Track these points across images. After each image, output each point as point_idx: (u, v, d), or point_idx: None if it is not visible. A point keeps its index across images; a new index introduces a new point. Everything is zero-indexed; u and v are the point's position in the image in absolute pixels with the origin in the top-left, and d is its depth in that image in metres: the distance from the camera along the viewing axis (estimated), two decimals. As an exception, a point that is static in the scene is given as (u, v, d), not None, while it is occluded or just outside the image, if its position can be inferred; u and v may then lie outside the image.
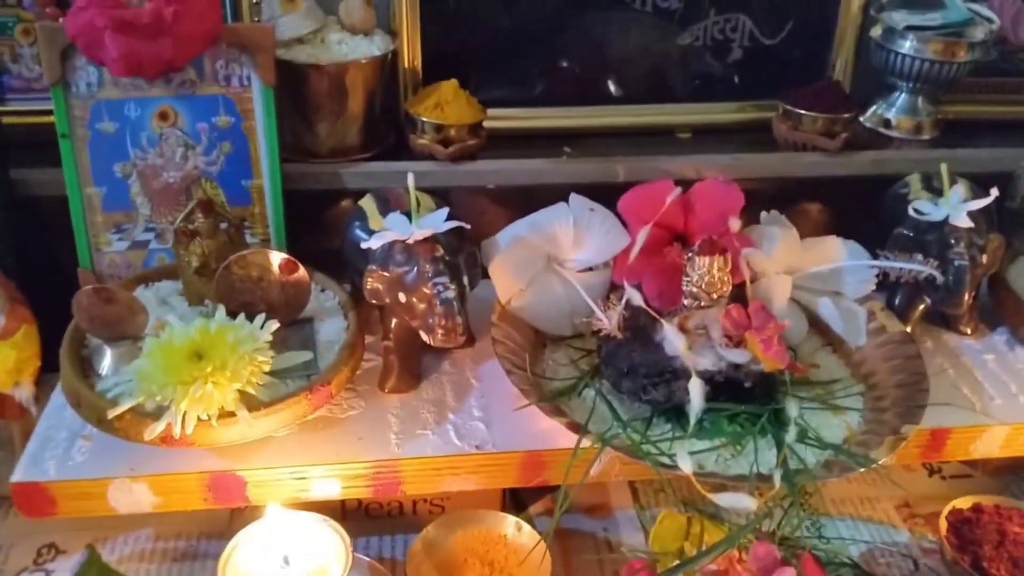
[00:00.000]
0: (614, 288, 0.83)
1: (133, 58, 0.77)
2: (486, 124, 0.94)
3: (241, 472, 0.69)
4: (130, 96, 0.82)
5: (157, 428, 0.64)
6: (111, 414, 0.65)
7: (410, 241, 0.71)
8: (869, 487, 0.98)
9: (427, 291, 0.70)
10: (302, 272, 0.74)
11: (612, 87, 1.03)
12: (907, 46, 0.96)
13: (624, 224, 0.83)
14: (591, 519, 0.94)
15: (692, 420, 0.69)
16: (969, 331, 0.88)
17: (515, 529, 0.86)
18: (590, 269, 0.83)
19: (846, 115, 0.95)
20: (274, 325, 0.69)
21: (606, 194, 0.84)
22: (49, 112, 0.82)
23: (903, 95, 1.02)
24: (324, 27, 0.89)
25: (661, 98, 1.03)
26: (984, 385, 0.82)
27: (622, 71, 1.02)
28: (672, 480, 0.97)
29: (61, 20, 0.79)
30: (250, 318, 0.70)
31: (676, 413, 0.73)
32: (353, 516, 0.93)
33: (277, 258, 0.73)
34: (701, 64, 1.02)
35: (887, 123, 1.02)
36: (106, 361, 0.71)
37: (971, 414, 0.78)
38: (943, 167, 0.82)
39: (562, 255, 0.83)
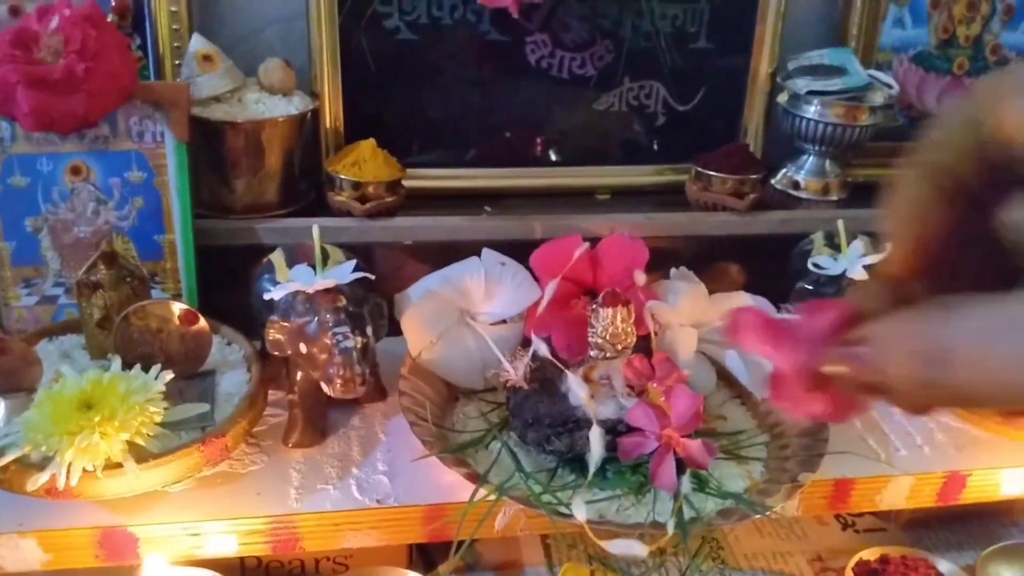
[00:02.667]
0: (526, 342, 0.84)
1: (45, 114, 0.78)
2: (407, 183, 0.96)
3: (132, 528, 0.67)
4: (43, 151, 0.83)
5: (41, 478, 0.62)
6: (-5, 466, 0.63)
7: (312, 291, 0.71)
8: (782, 541, 0.98)
9: (327, 341, 0.70)
10: (203, 323, 0.74)
11: (533, 149, 1.05)
12: (811, 111, 1.00)
13: (536, 279, 0.84)
14: (502, 576, 0.92)
15: (592, 468, 0.69)
16: (877, 384, 0.90)
17: (422, 587, 0.84)
18: (503, 322, 0.84)
19: (754, 176, 0.98)
20: (168, 376, 0.68)
21: (524, 251, 0.85)
22: (-39, 167, 0.83)
23: (811, 158, 1.05)
24: (243, 87, 0.91)
25: (580, 160, 1.06)
26: (890, 436, 0.83)
27: (542, 134, 1.05)
28: (583, 535, 0.95)
29: (-25, 76, 0.80)
30: (147, 369, 0.69)
31: (581, 464, 0.72)
32: (253, 574, 0.90)
33: (177, 309, 0.73)
34: (618, 128, 1.06)
35: (796, 184, 1.06)
36: (-2, 414, 0.70)
37: (876, 464, 0.79)
38: (840, 223, 0.85)
39: (474, 308, 0.84)
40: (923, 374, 0.25)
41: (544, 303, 0.79)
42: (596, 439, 0.69)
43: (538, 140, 1.05)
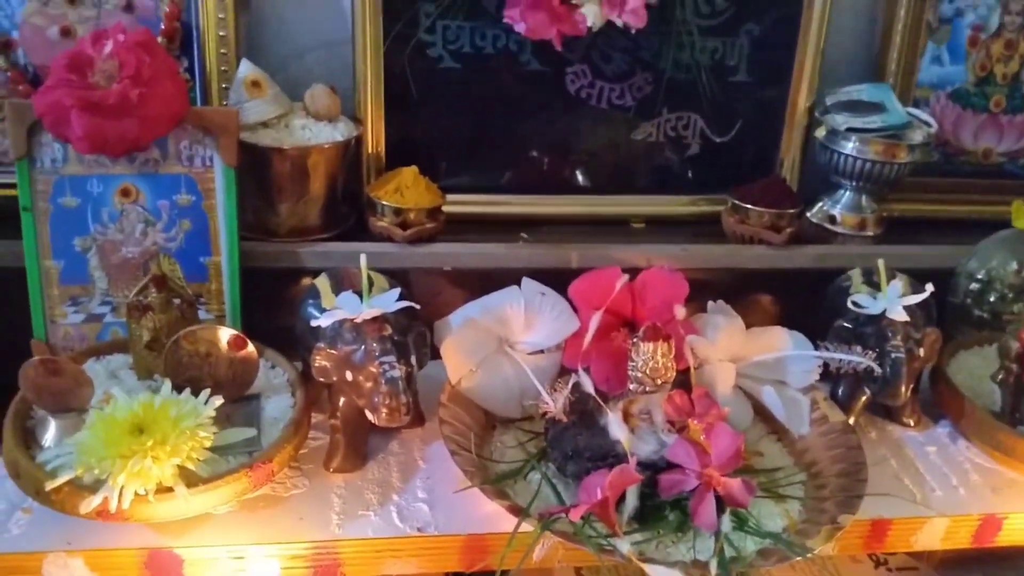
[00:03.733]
0: (563, 371, 0.85)
1: (98, 137, 0.79)
2: (446, 209, 0.97)
3: (178, 550, 0.68)
4: (93, 173, 0.84)
5: (94, 501, 0.63)
6: (49, 486, 0.64)
7: (359, 320, 0.72)
8: (816, 579, 0.98)
9: (373, 370, 0.71)
10: (251, 348, 0.75)
11: (570, 177, 1.06)
12: (849, 147, 1.01)
13: (574, 309, 0.85)
14: (536, 606, 0.92)
15: (625, 518, 0.70)
16: (912, 423, 0.90)
17: (457, 615, 0.84)
18: (541, 352, 0.85)
19: (791, 210, 0.99)
20: (218, 401, 0.69)
21: (560, 279, 0.86)
22: (13, 185, 0.84)
23: (848, 193, 1.06)
24: (289, 113, 0.92)
25: (617, 189, 1.07)
26: (926, 477, 0.83)
27: (580, 163, 1.06)
28: (619, 567, 0.96)
29: (31, 97, 0.81)
30: (196, 393, 0.70)
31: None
32: (293, 598, 0.91)
33: (226, 334, 0.74)
34: (655, 158, 1.07)
35: (832, 219, 1.06)
36: (50, 433, 0.71)
37: (912, 505, 0.79)
38: (880, 262, 0.85)
39: (513, 337, 0.85)
40: None
41: (589, 336, 0.80)
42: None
43: (575, 168, 1.06)
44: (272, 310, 0.91)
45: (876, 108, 1.02)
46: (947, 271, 1.00)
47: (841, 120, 1.00)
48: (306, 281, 0.93)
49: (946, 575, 0.99)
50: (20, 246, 0.84)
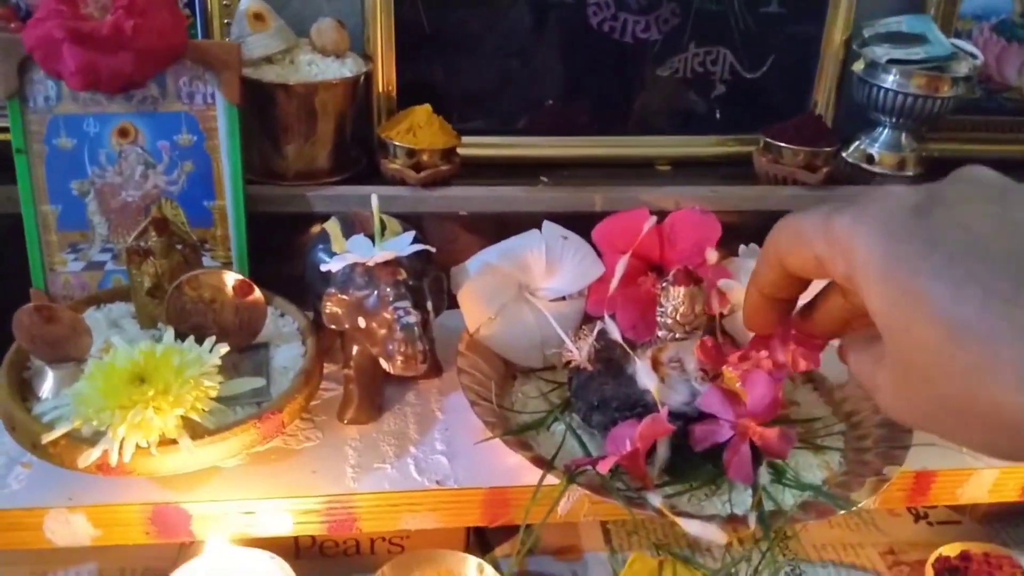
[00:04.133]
0: (587, 319, 0.81)
1: (91, 72, 0.75)
2: (462, 152, 0.92)
3: (185, 504, 0.65)
4: (89, 112, 0.80)
5: (93, 454, 0.60)
6: (45, 439, 0.61)
7: (371, 264, 0.68)
8: (852, 532, 0.94)
9: (387, 316, 0.67)
10: (257, 294, 0.71)
11: (592, 117, 1.01)
12: (890, 80, 0.95)
13: (598, 253, 0.80)
14: (559, 561, 0.89)
15: (656, 470, 0.66)
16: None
17: (477, 571, 0.81)
18: (563, 299, 0.81)
19: (827, 149, 0.94)
20: (223, 349, 0.65)
21: (582, 224, 0.81)
22: (5, 130, 0.80)
23: (886, 130, 1.00)
24: (295, 48, 0.87)
25: (641, 130, 1.01)
26: (970, 427, 0.79)
27: (601, 102, 1.00)
28: (645, 521, 0.93)
29: (21, 32, 0.77)
30: (201, 341, 0.66)
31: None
32: (307, 554, 0.88)
33: (231, 279, 0.70)
34: (681, 96, 1.01)
35: (870, 158, 1.01)
36: (47, 384, 0.68)
37: (958, 456, 0.75)
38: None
39: (534, 284, 0.80)
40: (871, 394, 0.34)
41: (615, 281, 0.75)
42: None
43: (597, 107, 1.00)
44: (280, 257, 0.87)
45: (917, 40, 0.96)
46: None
47: (881, 52, 0.94)
48: (315, 227, 0.88)
49: (990, 529, 0.95)
50: (14, 191, 0.80)
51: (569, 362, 0.74)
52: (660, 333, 0.73)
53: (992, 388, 0.25)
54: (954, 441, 0.30)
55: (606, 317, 0.74)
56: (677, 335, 0.72)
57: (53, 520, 0.64)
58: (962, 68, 0.95)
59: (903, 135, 1.00)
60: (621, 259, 0.76)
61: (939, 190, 0.29)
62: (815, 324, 0.40)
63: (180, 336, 0.68)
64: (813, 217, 0.33)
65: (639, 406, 0.69)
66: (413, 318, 0.66)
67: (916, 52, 0.94)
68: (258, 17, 0.84)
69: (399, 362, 0.66)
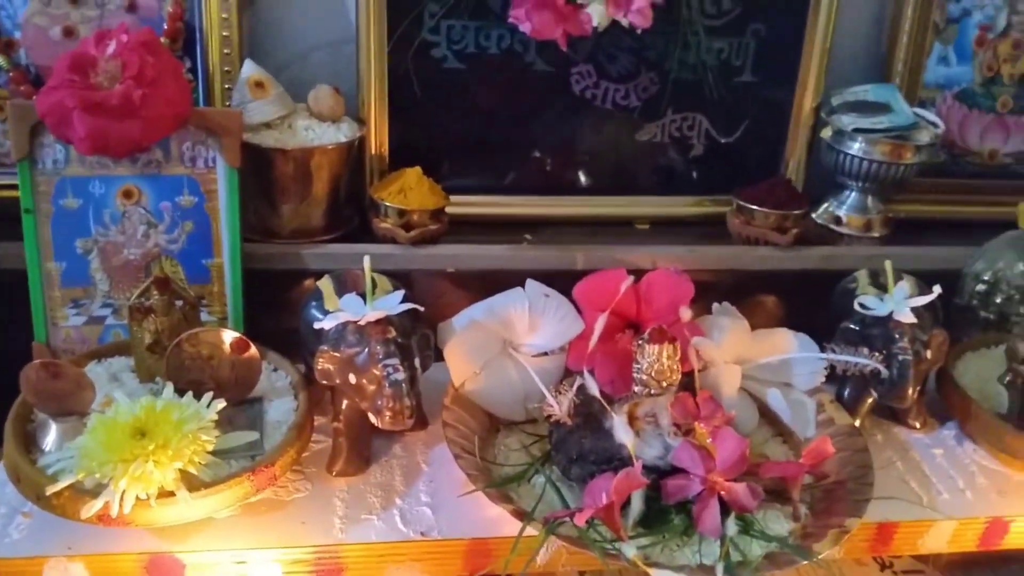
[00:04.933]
0: (567, 373, 0.84)
1: (100, 138, 0.79)
2: (449, 210, 0.96)
3: (180, 554, 0.68)
4: (95, 174, 0.84)
5: (95, 506, 0.63)
6: (49, 490, 0.64)
7: (362, 322, 0.72)
8: (822, 582, 0.97)
9: (377, 373, 0.70)
10: (253, 351, 0.75)
11: (574, 178, 1.06)
12: (856, 147, 1.00)
13: (578, 310, 0.84)
14: (540, 610, 0.92)
15: (630, 522, 0.69)
16: (918, 425, 0.89)
17: (461, 619, 0.84)
18: (545, 354, 0.84)
19: (797, 211, 0.98)
20: (220, 404, 0.69)
21: (564, 281, 0.85)
22: (14, 186, 0.84)
23: (853, 193, 1.05)
24: (293, 114, 0.92)
25: (621, 190, 1.06)
26: (932, 479, 0.83)
27: (584, 163, 1.05)
28: (623, 571, 0.95)
29: (34, 98, 0.81)
30: (198, 396, 0.70)
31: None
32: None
33: (229, 337, 0.74)
34: (660, 159, 1.06)
35: (838, 220, 1.06)
36: (51, 436, 0.71)
37: (919, 508, 0.79)
38: (887, 264, 0.84)
39: (517, 340, 0.84)
40: None
41: (594, 339, 0.79)
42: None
43: (579, 169, 1.05)
44: (275, 312, 0.91)
45: (882, 108, 1.01)
46: (953, 272, 0.99)
47: (848, 120, 1.00)
48: (309, 283, 0.92)
49: (953, 579, 0.99)
50: (21, 248, 0.84)
51: (550, 416, 0.78)
52: (636, 389, 0.76)
53: None
54: None
55: (585, 372, 0.78)
56: (652, 391, 0.75)
57: (52, 569, 0.67)
58: (924, 136, 1.00)
59: (869, 198, 1.05)
60: (600, 317, 0.80)
61: None
62: None
63: (179, 391, 0.71)
64: None
65: (616, 460, 0.72)
66: (401, 375, 0.70)
67: (880, 121, 0.99)
68: (259, 85, 0.88)
69: (387, 417, 0.70)
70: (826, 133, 1.03)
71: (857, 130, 0.99)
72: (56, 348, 0.86)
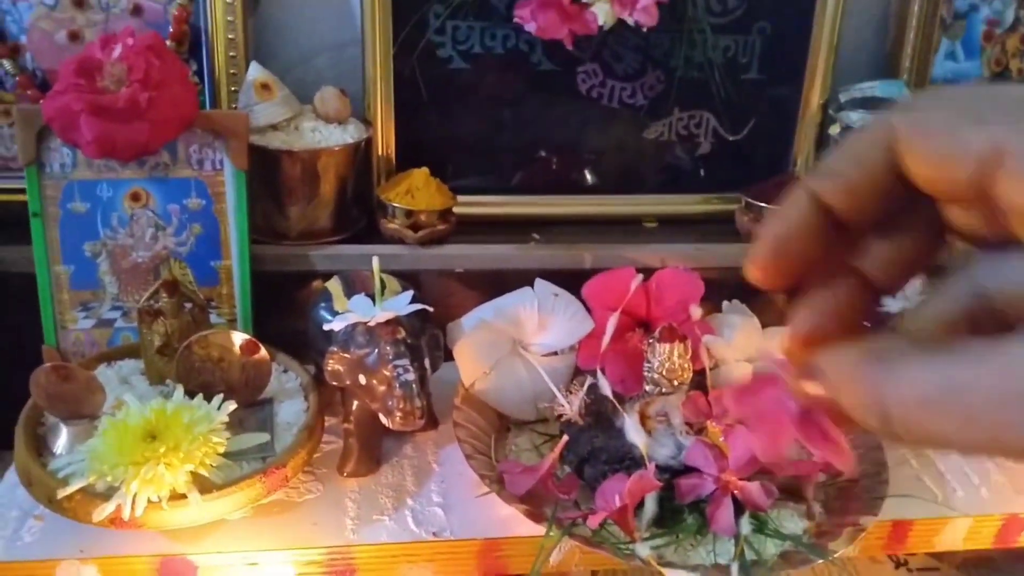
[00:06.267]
0: (578, 372, 0.84)
1: (107, 141, 0.79)
2: (457, 210, 0.96)
3: (192, 556, 0.68)
4: (103, 177, 0.84)
5: (107, 509, 0.63)
6: (61, 494, 0.64)
7: (372, 323, 0.71)
8: (836, 580, 0.97)
9: (387, 373, 0.70)
10: (263, 353, 0.74)
11: (581, 177, 1.05)
12: (864, 143, 0.99)
13: (588, 309, 0.84)
14: (553, 610, 0.91)
15: (644, 524, 0.69)
16: (931, 422, 0.88)
17: (473, 620, 0.84)
18: (554, 353, 0.84)
19: (806, 208, 0.98)
20: (231, 406, 0.68)
21: (573, 280, 0.85)
22: (22, 191, 0.84)
23: (862, 190, 1.05)
24: (299, 115, 0.91)
25: (629, 189, 1.06)
26: (947, 477, 0.82)
27: (591, 162, 1.05)
28: (635, 571, 0.95)
29: (40, 102, 0.81)
30: (209, 398, 0.70)
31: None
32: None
33: (239, 339, 0.73)
34: (667, 157, 1.06)
35: (847, 217, 1.05)
36: (61, 440, 0.71)
37: (933, 506, 0.78)
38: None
39: (527, 339, 0.84)
40: (870, 423, 0.24)
41: (607, 338, 0.79)
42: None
43: (586, 168, 1.05)
44: (283, 314, 0.90)
45: (890, 104, 1.01)
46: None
47: (856, 117, 0.99)
48: (317, 284, 0.92)
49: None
50: (30, 252, 0.84)
51: (561, 416, 0.77)
52: (647, 388, 0.76)
53: None
54: None
55: (597, 372, 0.77)
56: (664, 390, 0.75)
57: (65, 572, 0.67)
58: (932, 132, 1.00)
59: (878, 194, 1.04)
60: (612, 316, 0.80)
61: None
62: (888, 259, 0.28)
63: (189, 393, 0.71)
64: (966, 119, 0.23)
65: (627, 459, 0.72)
66: (412, 375, 0.70)
67: (888, 117, 0.99)
68: (265, 87, 0.88)
69: (398, 418, 0.70)
70: (834, 130, 1.02)
71: (865, 126, 0.99)
72: (66, 351, 0.86)
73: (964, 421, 0.21)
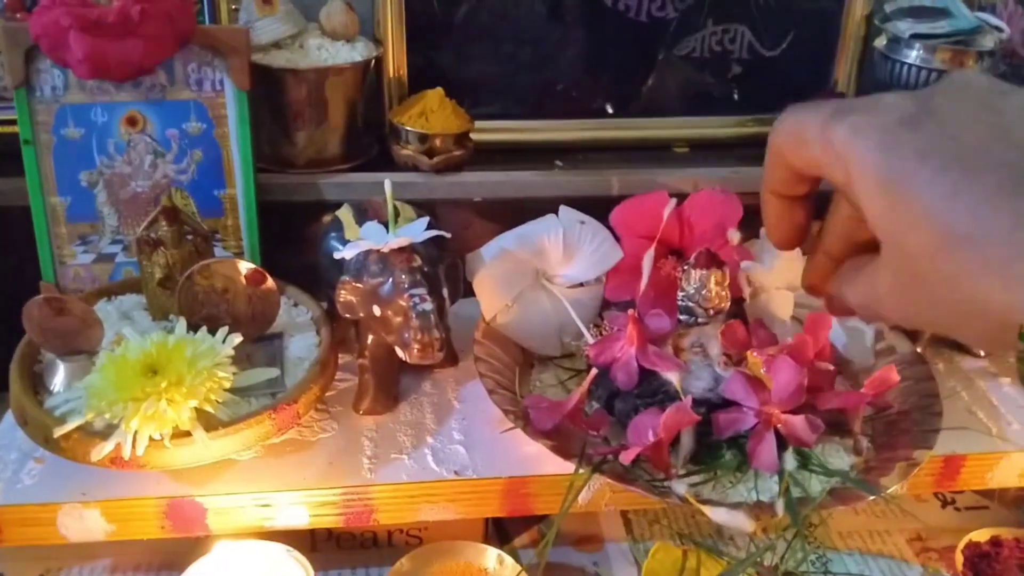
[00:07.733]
0: (605, 304, 0.79)
1: (99, 59, 0.73)
2: (474, 136, 0.90)
3: (200, 498, 0.64)
4: (97, 100, 0.78)
5: (106, 448, 0.59)
6: (58, 433, 0.60)
7: (385, 251, 0.66)
8: (878, 519, 0.92)
9: (403, 303, 0.65)
10: (270, 283, 0.70)
11: (607, 100, 0.99)
12: (913, 55, 0.92)
13: (616, 237, 0.78)
14: (580, 552, 0.88)
15: (680, 461, 0.64)
16: (983, 353, 0.83)
17: (497, 563, 0.80)
18: (580, 285, 0.79)
19: (850, 127, 0.91)
20: (236, 339, 0.64)
21: (599, 208, 0.80)
22: (13, 122, 0.79)
23: (909, 108, 0.98)
24: (304, 32, 0.85)
25: (657, 111, 0.99)
26: (1000, 409, 0.77)
27: (617, 83, 0.98)
28: (667, 510, 0.91)
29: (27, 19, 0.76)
30: (213, 332, 0.65)
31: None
32: (324, 547, 0.87)
33: (244, 268, 0.69)
34: (698, 76, 0.99)
35: (892, 136, 0.98)
36: (58, 377, 0.67)
37: (987, 440, 0.73)
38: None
39: (551, 270, 0.79)
40: (870, 315, 0.36)
41: (645, 278, 0.73)
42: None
43: (612, 89, 0.98)
44: (292, 246, 0.86)
45: (941, 14, 0.93)
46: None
47: (904, 27, 0.92)
48: (327, 216, 0.87)
49: (1019, 514, 0.93)
50: (23, 183, 0.79)
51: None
52: (681, 317, 0.71)
53: (981, 287, 0.28)
54: (952, 335, 0.42)
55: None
56: (699, 319, 0.70)
57: (67, 515, 0.63)
58: (988, 41, 0.92)
59: (927, 112, 0.97)
60: (648, 251, 0.75)
61: (930, 100, 0.31)
62: (829, 242, 0.39)
63: (192, 327, 0.66)
64: (812, 120, 0.33)
65: (660, 393, 0.67)
66: (429, 305, 0.65)
67: (940, 26, 0.91)
68: (266, 1, 0.82)
69: (415, 350, 0.65)
70: (880, 42, 0.95)
71: (915, 36, 0.91)
72: (65, 288, 0.82)
73: (881, 314, 0.35)
